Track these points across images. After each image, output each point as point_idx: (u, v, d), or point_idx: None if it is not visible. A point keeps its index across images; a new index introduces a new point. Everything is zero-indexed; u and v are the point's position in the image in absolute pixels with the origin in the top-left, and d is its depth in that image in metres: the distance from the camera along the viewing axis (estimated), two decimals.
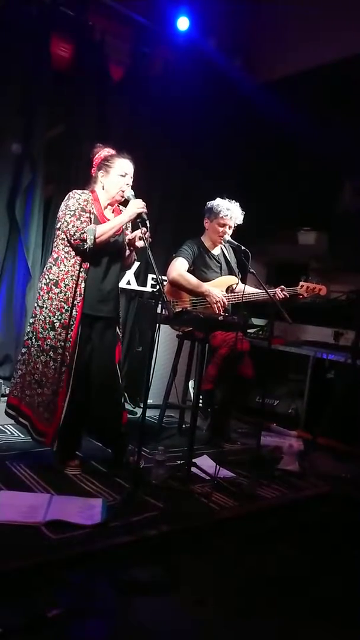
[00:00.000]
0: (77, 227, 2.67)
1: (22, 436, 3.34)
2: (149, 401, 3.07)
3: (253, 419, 4.09)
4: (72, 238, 2.69)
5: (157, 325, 2.66)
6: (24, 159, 4.13)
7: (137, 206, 2.71)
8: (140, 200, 2.74)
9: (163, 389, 3.68)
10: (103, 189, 2.84)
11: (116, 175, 2.81)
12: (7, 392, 4.14)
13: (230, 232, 3.55)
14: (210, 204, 3.62)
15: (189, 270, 3.54)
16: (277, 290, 3.51)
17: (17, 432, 3.40)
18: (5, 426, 3.47)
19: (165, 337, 3.89)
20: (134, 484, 2.63)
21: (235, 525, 2.58)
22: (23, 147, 4.12)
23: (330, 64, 4.78)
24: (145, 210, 2.72)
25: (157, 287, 2.61)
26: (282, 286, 3.54)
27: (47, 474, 2.75)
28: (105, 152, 2.90)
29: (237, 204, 3.56)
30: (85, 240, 2.65)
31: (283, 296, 3.50)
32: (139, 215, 2.71)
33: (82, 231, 2.66)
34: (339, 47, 4.70)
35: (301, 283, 3.57)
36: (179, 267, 3.49)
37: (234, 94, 5.11)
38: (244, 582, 2.17)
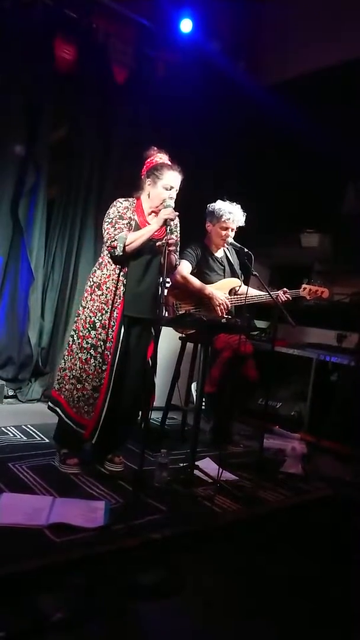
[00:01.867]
0: (110, 234, 2.80)
1: (25, 438, 3.35)
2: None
3: (256, 422, 4.09)
4: (106, 245, 2.83)
5: (160, 327, 2.66)
6: (28, 161, 4.14)
7: (166, 213, 2.77)
8: (171, 209, 2.80)
9: (166, 391, 3.67)
10: (149, 197, 2.91)
11: (162, 187, 2.86)
12: (9, 393, 4.20)
13: (232, 234, 3.54)
14: (211, 207, 3.60)
15: (192, 273, 3.53)
16: (280, 292, 3.51)
17: (20, 434, 3.40)
18: (9, 428, 3.47)
19: (169, 339, 3.89)
20: (137, 487, 2.63)
21: (238, 528, 2.57)
22: (27, 149, 4.13)
23: (333, 66, 4.77)
24: (171, 217, 2.77)
25: (160, 289, 2.65)
26: (285, 289, 3.54)
27: (50, 476, 2.76)
28: (157, 158, 2.94)
29: (239, 205, 3.55)
30: (115, 248, 2.75)
31: (286, 299, 3.50)
32: (166, 222, 2.77)
33: (114, 239, 2.77)
34: (342, 50, 4.70)
35: (304, 285, 3.57)
36: (182, 270, 3.49)
37: (238, 96, 5.10)
38: (246, 585, 2.17)
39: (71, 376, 2.87)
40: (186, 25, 4.70)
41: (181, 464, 3.02)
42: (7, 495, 2.45)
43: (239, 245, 3.42)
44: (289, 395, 4.63)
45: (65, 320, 4.42)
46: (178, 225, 3.00)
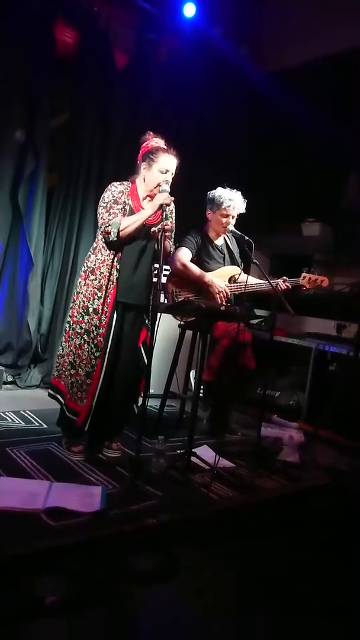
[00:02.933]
0: (104, 219, 2.77)
1: (24, 423, 3.35)
2: (150, 391, 3.08)
3: (254, 410, 4.09)
4: (100, 230, 2.82)
5: (158, 314, 2.66)
6: (28, 147, 4.11)
7: (162, 198, 2.75)
8: (167, 193, 2.78)
9: (164, 379, 3.67)
10: (144, 181, 2.89)
11: (157, 170, 2.84)
12: (8, 379, 4.21)
13: (233, 221, 3.52)
14: (211, 194, 3.57)
15: (192, 261, 3.52)
16: (280, 281, 3.49)
17: (19, 419, 3.41)
18: (7, 413, 3.48)
19: (167, 327, 3.89)
20: (134, 473, 2.64)
21: (234, 516, 2.58)
22: (26, 135, 4.10)
23: (337, 55, 4.72)
24: (167, 202, 2.75)
25: (157, 276, 2.64)
26: (285, 277, 3.52)
27: (47, 461, 2.77)
28: (153, 142, 2.93)
29: (239, 192, 3.53)
30: (110, 233, 2.74)
31: (285, 287, 3.49)
32: (162, 207, 2.75)
33: (108, 224, 2.75)
34: (346, 38, 4.64)
35: (303, 274, 3.55)
36: (182, 257, 3.47)
37: (240, 83, 5.05)
38: (242, 572, 2.18)
39: (67, 362, 2.88)
40: (189, 10, 4.64)
41: (178, 451, 3.02)
42: (4, 480, 2.46)
43: (239, 232, 3.40)
44: (288, 385, 4.63)
45: (65, 307, 4.41)
46: (174, 210, 2.98)
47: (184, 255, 3.49)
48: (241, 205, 3.51)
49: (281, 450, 3.32)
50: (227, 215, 3.50)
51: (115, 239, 2.74)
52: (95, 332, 2.81)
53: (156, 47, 4.74)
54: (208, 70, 4.90)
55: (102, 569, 2.01)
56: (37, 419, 3.46)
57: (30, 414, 3.54)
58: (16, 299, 4.25)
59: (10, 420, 3.37)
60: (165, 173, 2.84)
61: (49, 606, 1.73)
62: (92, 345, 2.81)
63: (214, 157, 4.92)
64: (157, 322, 2.63)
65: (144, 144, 2.94)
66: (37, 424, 3.37)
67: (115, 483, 2.61)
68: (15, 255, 4.23)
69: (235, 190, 3.53)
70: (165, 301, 2.66)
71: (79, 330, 2.84)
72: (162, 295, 2.66)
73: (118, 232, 2.73)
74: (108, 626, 1.75)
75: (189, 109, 4.87)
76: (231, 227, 3.50)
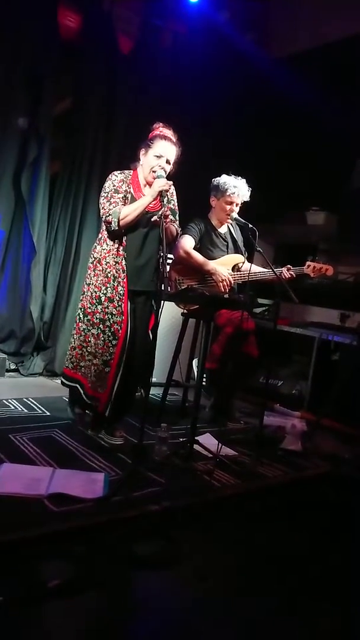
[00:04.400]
0: (105, 209, 2.79)
1: (27, 410, 3.36)
2: (153, 379, 3.08)
3: (257, 399, 4.09)
4: (102, 219, 2.84)
5: (161, 302, 2.65)
6: (30, 133, 4.08)
7: (159, 184, 2.73)
8: (164, 178, 2.77)
9: (167, 367, 3.67)
10: (142, 167, 2.90)
11: (152, 155, 2.84)
12: (11, 367, 4.21)
13: (237, 209, 3.50)
14: (216, 181, 3.55)
15: (195, 248, 3.50)
16: (284, 269, 3.48)
17: (22, 406, 3.42)
18: (10, 400, 3.49)
19: (170, 315, 3.88)
20: (136, 460, 2.64)
21: (237, 503, 2.59)
22: (29, 121, 4.07)
23: (344, 40, 4.66)
24: (166, 188, 2.73)
25: (160, 264, 2.63)
26: (289, 266, 3.51)
27: (50, 447, 2.77)
28: (157, 131, 2.91)
29: (244, 180, 3.50)
30: (111, 223, 2.75)
31: (290, 275, 3.47)
32: (161, 193, 2.73)
33: (108, 214, 2.76)
34: (355, 23, 4.58)
35: (307, 263, 3.53)
36: (185, 245, 3.45)
37: (246, 69, 4.99)
38: (244, 559, 2.19)
39: (87, 353, 2.90)
40: None
41: (181, 439, 3.03)
42: (7, 466, 2.46)
43: (243, 220, 3.38)
44: (291, 374, 4.63)
45: (68, 295, 4.41)
46: (174, 193, 2.98)
47: (187, 242, 3.47)
48: (246, 192, 3.49)
49: (283, 439, 3.33)
50: (231, 203, 3.48)
51: (117, 228, 2.76)
52: (111, 320, 2.83)
53: (161, 32, 4.69)
54: (215, 55, 4.84)
55: (104, 554, 2.02)
56: (39, 406, 3.46)
57: (33, 401, 3.55)
58: (19, 287, 4.25)
59: (12, 408, 3.38)
60: (160, 158, 2.83)
61: (52, 590, 1.74)
62: (110, 334, 2.83)
63: (219, 144, 4.88)
64: (160, 310, 2.63)
65: (151, 133, 2.92)
66: (39, 412, 3.38)
67: (118, 470, 2.62)
68: (18, 243, 4.22)
69: (239, 177, 3.50)
70: (169, 289, 2.64)
71: (95, 321, 2.86)
72: (166, 283, 2.63)
73: (118, 222, 2.74)
74: (110, 610, 1.76)
75: (195, 95, 4.82)
76: (235, 215, 3.48)
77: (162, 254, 2.62)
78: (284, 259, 5.24)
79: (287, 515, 2.60)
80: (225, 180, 3.49)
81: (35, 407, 3.44)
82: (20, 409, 3.37)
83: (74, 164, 4.38)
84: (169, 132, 2.92)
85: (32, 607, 1.69)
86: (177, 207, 3.02)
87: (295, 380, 4.53)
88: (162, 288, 2.60)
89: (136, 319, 2.93)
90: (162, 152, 2.84)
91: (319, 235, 5.18)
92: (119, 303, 2.82)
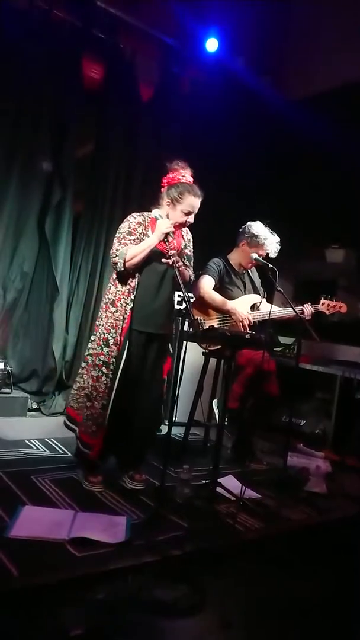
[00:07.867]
0: (114, 249, 2.78)
1: (48, 451, 3.36)
2: (174, 419, 3.05)
3: (279, 438, 4.03)
4: (110, 260, 2.81)
5: (184, 342, 2.65)
6: (54, 177, 4.21)
7: (165, 226, 2.71)
8: (167, 220, 2.77)
9: (188, 406, 3.66)
10: (167, 217, 2.82)
11: (181, 211, 2.82)
12: (33, 406, 4.23)
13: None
14: (254, 230, 3.52)
15: (214, 288, 3.53)
16: (304, 307, 3.48)
17: (43, 447, 3.42)
18: (32, 441, 3.49)
19: (192, 354, 3.87)
20: (158, 503, 2.61)
21: (261, 547, 2.53)
22: (53, 165, 4.20)
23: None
24: (172, 229, 2.73)
25: (184, 304, 2.60)
26: (308, 304, 3.51)
27: (72, 489, 2.76)
28: (180, 176, 2.85)
29: (277, 238, 3.53)
30: (117, 263, 2.75)
31: (309, 312, 3.48)
32: (166, 235, 2.72)
33: (115, 254, 2.76)
34: None
35: (322, 300, 3.54)
36: (205, 285, 3.49)
37: (263, 113, 5.12)
38: (268, 605, 2.13)
39: (83, 394, 2.86)
40: (212, 45, 4.75)
41: (203, 481, 2.99)
42: (29, 508, 2.45)
43: (263, 260, 3.41)
44: (314, 413, 4.57)
45: (89, 334, 4.44)
46: (191, 240, 3.01)
47: (207, 282, 3.50)
48: (276, 250, 3.53)
49: (308, 480, 3.26)
50: (261, 255, 3.51)
51: (122, 269, 2.74)
52: (114, 364, 2.77)
53: (180, 79, 4.86)
54: (233, 100, 4.98)
55: (126, 600, 1.98)
56: (61, 446, 3.46)
57: (54, 441, 3.54)
58: (41, 327, 4.30)
59: (34, 448, 3.38)
60: (189, 215, 2.83)
61: (74, 638, 1.71)
62: (111, 377, 2.77)
63: (241, 185, 4.95)
64: (183, 351, 2.62)
65: (172, 175, 2.87)
66: (61, 452, 3.37)
67: (140, 513, 2.59)
68: (41, 284, 4.30)
69: (274, 234, 3.53)
70: (191, 329, 2.64)
71: (98, 363, 2.80)
72: (187, 323, 2.64)
73: (124, 262, 2.72)
74: None
75: (214, 139, 4.94)
76: (255, 255, 3.50)
77: (183, 295, 2.59)
78: (303, 296, 5.23)
79: (313, 559, 2.53)
80: (264, 233, 3.50)
81: (57, 448, 3.44)
82: (42, 449, 3.37)
83: (96, 206, 4.49)
84: (196, 187, 2.85)
85: None
86: (192, 253, 3.02)
87: (318, 419, 4.47)
88: (186, 329, 2.61)
89: (146, 362, 2.86)
90: (192, 209, 2.82)
91: (338, 272, 5.19)
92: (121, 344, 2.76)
